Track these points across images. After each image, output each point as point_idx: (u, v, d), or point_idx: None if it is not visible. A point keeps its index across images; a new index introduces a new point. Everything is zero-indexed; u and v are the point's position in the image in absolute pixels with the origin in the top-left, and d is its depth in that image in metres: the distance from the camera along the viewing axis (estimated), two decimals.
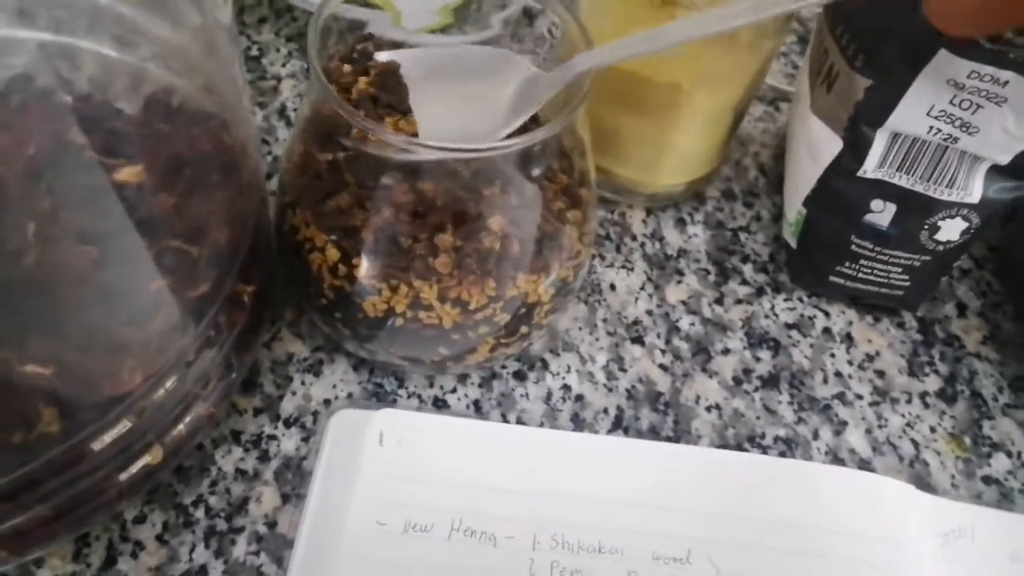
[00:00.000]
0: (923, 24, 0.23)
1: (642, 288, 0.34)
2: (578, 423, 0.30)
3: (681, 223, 0.36)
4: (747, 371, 0.32)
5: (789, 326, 0.34)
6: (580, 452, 0.28)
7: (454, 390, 0.30)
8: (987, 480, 0.30)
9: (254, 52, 0.40)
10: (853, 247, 0.32)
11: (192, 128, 0.26)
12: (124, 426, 0.22)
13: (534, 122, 0.28)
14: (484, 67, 0.26)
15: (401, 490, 0.26)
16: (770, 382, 0.32)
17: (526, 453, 0.28)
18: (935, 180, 0.29)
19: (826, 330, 0.34)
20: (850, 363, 0.33)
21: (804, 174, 0.32)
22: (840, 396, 0.32)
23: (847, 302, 0.35)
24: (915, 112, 0.27)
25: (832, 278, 0.33)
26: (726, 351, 0.32)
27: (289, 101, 0.38)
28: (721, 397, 0.31)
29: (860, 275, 0.32)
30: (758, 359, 0.32)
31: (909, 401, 0.32)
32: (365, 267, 0.25)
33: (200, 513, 0.26)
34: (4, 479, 0.20)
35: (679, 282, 0.34)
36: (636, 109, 0.33)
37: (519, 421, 0.29)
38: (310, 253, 0.26)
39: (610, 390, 0.31)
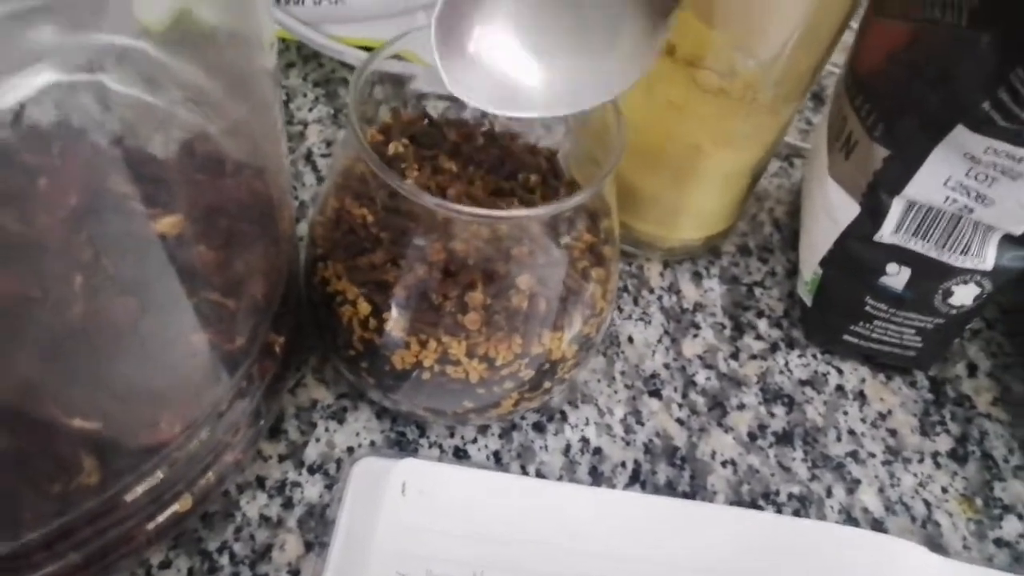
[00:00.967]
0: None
1: (659, 341, 0.35)
2: (596, 476, 0.30)
3: (697, 277, 0.37)
4: (762, 427, 0.32)
5: (803, 382, 0.34)
6: (599, 507, 0.28)
7: (475, 440, 0.30)
8: (999, 543, 0.31)
9: (282, 97, 0.40)
10: (868, 308, 0.32)
11: (230, 177, 0.26)
12: (158, 476, 0.22)
13: (565, 185, 0.29)
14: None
15: (422, 541, 0.27)
16: (784, 438, 0.32)
17: (546, 506, 0.28)
18: (949, 247, 0.29)
19: (839, 387, 0.34)
20: (863, 421, 0.33)
21: (821, 235, 0.32)
22: (853, 454, 0.32)
23: (860, 359, 0.35)
24: (932, 182, 0.28)
25: (846, 337, 0.34)
26: (741, 406, 0.33)
27: (315, 147, 0.39)
28: (736, 453, 0.31)
29: (874, 335, 0.33)
30: (772, 415, 0.33)
31: (921, 461, 0.32)
32: (395, 321, 0.25)
33: (225, 560, 0.26)
34: (43, 529, 0.20)
35: (695, 336, 0.35)
36: (656, 168, 0.33)
37: (538, 473, 0.30)
38: (341, 305, 0.26)
39: (628, 444, 0.31)
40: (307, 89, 0.41)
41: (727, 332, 0.35)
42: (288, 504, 0.27)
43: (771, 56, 0.29)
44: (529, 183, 0.29)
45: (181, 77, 0.27)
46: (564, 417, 0.31)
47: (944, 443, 0.33)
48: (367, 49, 0.40)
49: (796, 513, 0.30)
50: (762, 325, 0.36)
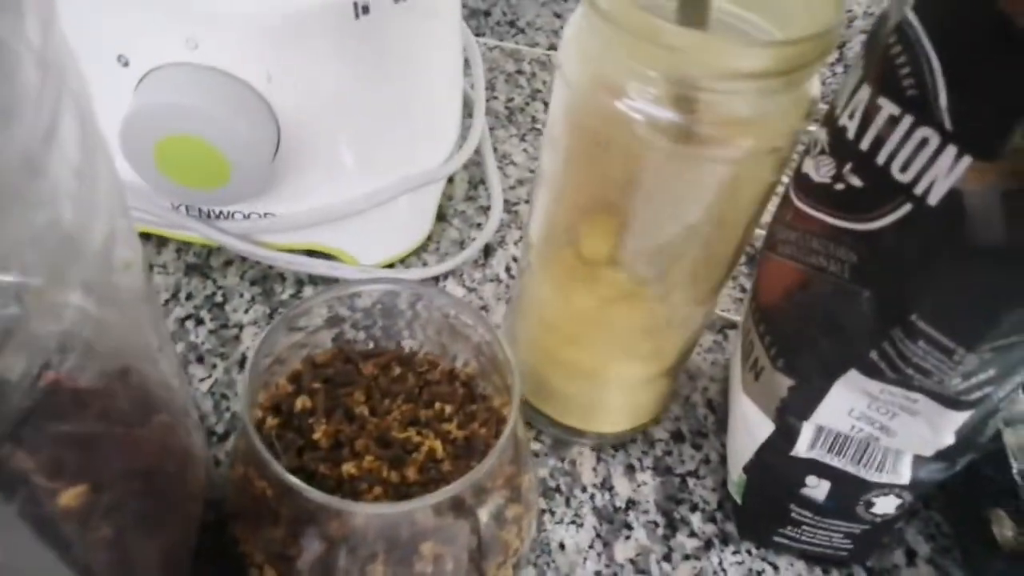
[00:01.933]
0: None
1: (591, 546, 0.34)
2: None
3: (631, 470, 0.37)
4: None
5: None
6: None
7: None
8: None
9: (218, 298, 0.41)
10: (793, 514, 0.32)
11: (131, 430, 0.26)
12: None
13: (482, 410, 0.29)
14: None
15: None
16: None
17: None
18: (864, 464, 0.30)
19: None
20: None
21: (742, 444, 0.33)
22: None
23: (796, 554, 0.35)
24: (837, 412, 0.28)
25: (776, 538, 0.34)
26: None
27: (249, 351, 0.39)
28: None
29: (803, 538, 0.33)
30: None
31: None
32: None
33: None
34: None
35: (627, 537, 0.35)
36: (566, 375, 0.34)
37: None
38: (250, 567, 0.26)
39: None
40: (244, 288, 0.42)
41: (660, 531, 0.35)
42: None
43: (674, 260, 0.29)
44: (444, 414, 0.29)
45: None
46: None
47: None
48: (308, 253, 0.41)
49: None
50: (696, 520, 0.36)
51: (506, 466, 0.27)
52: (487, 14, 0.62)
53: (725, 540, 0.35)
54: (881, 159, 0.23)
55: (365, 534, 0.25)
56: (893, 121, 0.23)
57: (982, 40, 0.20)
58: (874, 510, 0.31)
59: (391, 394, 0.29)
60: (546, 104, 0.54)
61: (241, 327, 0.40)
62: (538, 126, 0.53)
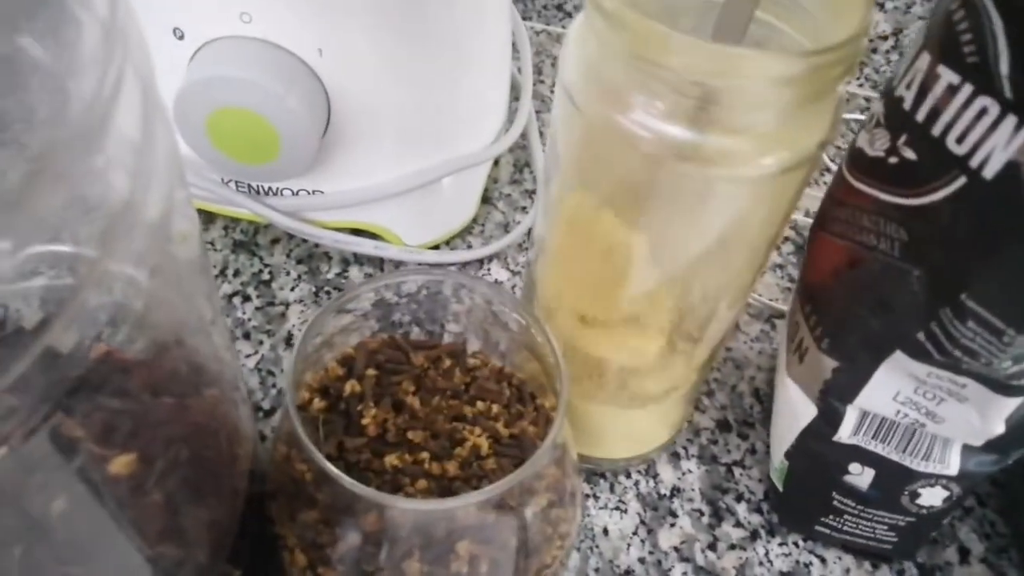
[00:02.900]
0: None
1: (635, 533, 0.34)
2: None
3: (675, 458, 0.37)
4: None
5: (784, 575, 0.33)
6: None
7: None
8: None
9: (265, 276, 0.41)
10: (835, 503, 0.31)
11: (178, 403, 0.26)
12: None
13: (532, 411, 0.29)
14: None
15: None
16: None
17: None
18: (910, 452, 0.29)
19: None
20: None
21: (785, 428, 0.32)
22: None
23: (839, 546, 0.34)
24: (882, 396, 0.27)
25: (818, 527, 0.33)
26: None
27: (296, 328, 0.39)
28: None
29: (845, 528, 0.32)
30: None
31: None
32: None
33: None
34: None
35: (672, 525, 0.34)
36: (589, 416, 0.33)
37: None
38: (282, 549, 0.26)
39: None
40: (290, 267, 0.42)
41: (705, 519, 0.35)
42: None
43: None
44: (491, 412, 0.28)
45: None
46: None
47: None
48: (353, 232, 0.41)
49: None
50: (741, 510, 0.35)
51: (551, 468, 0.26)
52: None
53: (772, 531, 0.34)
54: (937, 130, 0.22)
55: (402, 529, 0.24)
56: (952, 90, 0.22)
57: None
58: (920, 501, 0.30)
59: (438, 387, 0.28)
60: None
61: (287, 305, 0.40)
62: None
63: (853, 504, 0.31)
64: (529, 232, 0.45)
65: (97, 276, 0.19)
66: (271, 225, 0.42)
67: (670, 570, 0.33)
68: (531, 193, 0.47)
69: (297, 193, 0.39)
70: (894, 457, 0.29)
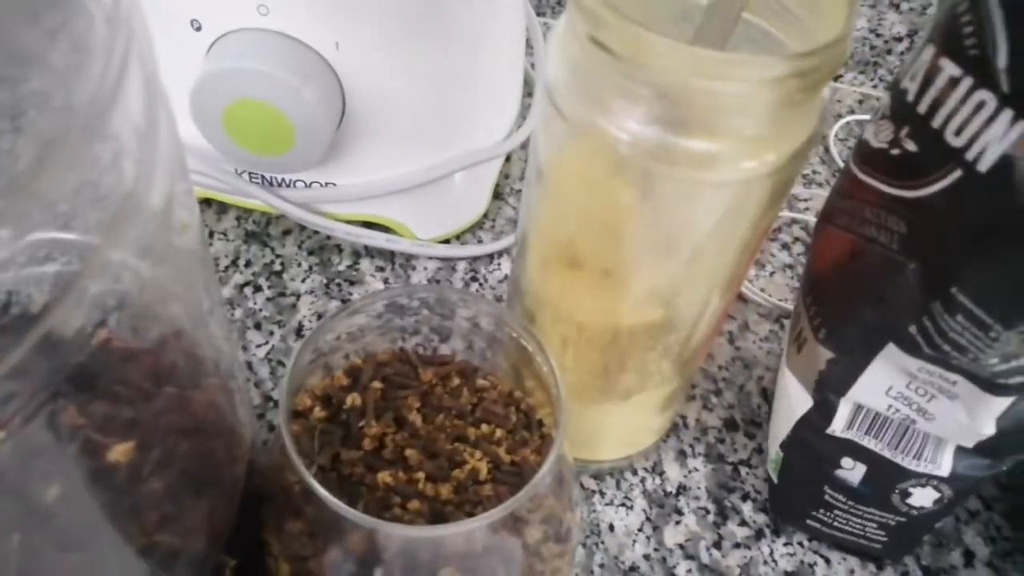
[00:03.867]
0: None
1: (640, 529, 0.34)
2: None
3: (682, 456, 0.37)
4: None
5: (788, 575, 0.33)
6: None
7: None
8: None
9: (276, 266, 0.42)
10: (827, 497, 0.32)
11: (181, 394, 0.26)
12: None
13: (537, 438, 0.28)
14: None
15: None
16: None
17: None
18: (902, 450, 0.29)
19: None
20: None
21: (782, 418, 0.32)
22: None
23: (829, 543, 0.34)
24: (874, 390, 0.28)
25: (809, 522, 0.33)
26: None
27: (307, 320, 0.40)
28: None
29: (836, 524, 0.32)
30: None
31: None
32: None
33: None
34: None
35: (678, 523, 0.34)
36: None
37: None
38: (267, 556, 0.26)
39: None
40: (301, 258, 0.42)
41: (711, 518, 0.35)
42: None
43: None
44: (494, 437, 0.27)
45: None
46: None
47: None
48: (365, 225, 0.41)
49: None
50: (747, 509, 0.35)
51: (549, 499, 0.26)
52: None
53: (777, 531, 0.35)
54: (937, 123, 0.23)
55: (387, 552, 0.24)
56: (953, 83, 0.22)
57: None
58: (911, 501, 0.30)
59: (444, 405, 0.28)
60: None
61: (298, 296, 0.41)
62: None
63: (844, 499, 0.31)
64: None
65: (99, 263, 0.19)
66: (283, 216, 0.42)
67: (675, 567, 0.33)
68: None
69: (310, 185, 0.39)
70: (886, 454, 0.29)
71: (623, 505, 0.35)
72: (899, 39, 0.56)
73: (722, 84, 0.21)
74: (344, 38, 0.34)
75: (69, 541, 0.22)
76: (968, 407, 0.26)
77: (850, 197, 0.27)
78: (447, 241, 0.43)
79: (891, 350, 0.26)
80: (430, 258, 0.43)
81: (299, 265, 0.42)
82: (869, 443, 0.29)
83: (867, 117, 0.53)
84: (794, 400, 0.31)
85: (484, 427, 0.27)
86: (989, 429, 0.26)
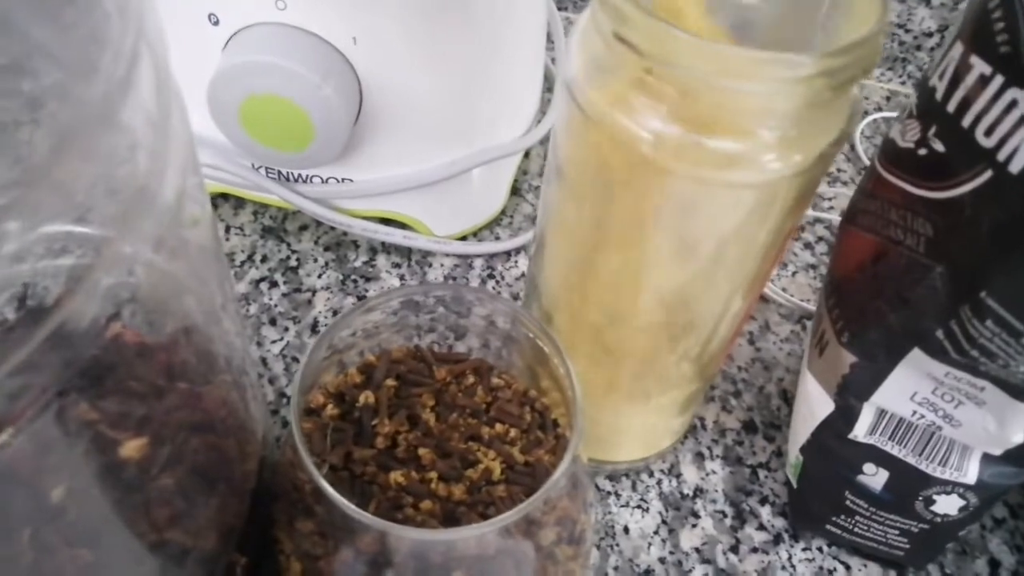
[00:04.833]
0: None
1: (656, 532, 0.34)
2: None
3: (700, 458, 0.36)
4: None
5: None
6: None
7: None
8: None
9: (292, 262, 0.42)
10: (848, 503, 0.31)
11: (191, 390, 0.26)
12: None
13: (552, 439, 0.27)
14: None
15: None
16: None
17: None
18: (927, 457, 0.28)
19: None
20: None
21: (803, 422, 0.31)
22: None
23: (849, 549, 0.34)
24: (899, 395, 0.27)
25: (829, 527, 0.32)
26: None
27: (322, 316, 0.39)
28: None
29: (856, 530, 0.32)
30: None
31: None
32: None
33: None
34: None
35: (694, 526, 0.34)
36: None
37: None
38: (279, 554, 0.26)
39: None
40: (318, 254, 0.42)
41: (728, 521, 0.34)
42: None
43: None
44: (508, 436, 0.27)
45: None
46: None
47: None
48: (382, 221, 0.41)
49: None
50: (765, 513, 0.35)
51: (562, 500, 0.25)
52: None
53: (795, 536, 0.34)
54: (967, 122, 0.22)
55: (398, 553, 0.23)
56: (983, 81, 0.21)
57: None
58: (935, 508, 0.29)
59: (458, 404, 0.27)
60: None
61: (314, 292, 0.40)
62: None
63: (865, 505, 0.31)
64: None
65: (112, 255, 0.19)
66: (300, 212, 0.42)
67: (691, 571, 0.33)
68: None
69: (327, 181, 0.39)
70: (910, 460, 0.28)
71: (639, 507, 0.34)
72: (929, 35, 0.55)
73: (748, 83, 0.20)
74: (362, 33, 0.33)
75: (79, 537, 0.22)
76: (997, 414, 0.25)
77: (875, 197, 0.26)
78: (464, 238, 0.43)
79: (916, 355, 0.25)
80: (447, 255, 0.43)
81: (315, 261, 0.42)
82: (892, 449, 0.29)
83: (894, 114, 0.52)
84: (815, 404, 0.30)
85: (498, 426, 0.27)
86: (1019, 437, 0.26)
